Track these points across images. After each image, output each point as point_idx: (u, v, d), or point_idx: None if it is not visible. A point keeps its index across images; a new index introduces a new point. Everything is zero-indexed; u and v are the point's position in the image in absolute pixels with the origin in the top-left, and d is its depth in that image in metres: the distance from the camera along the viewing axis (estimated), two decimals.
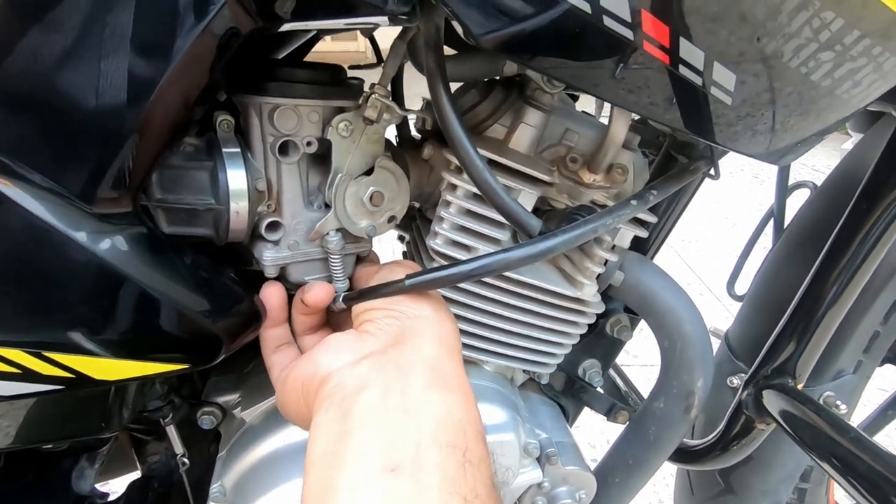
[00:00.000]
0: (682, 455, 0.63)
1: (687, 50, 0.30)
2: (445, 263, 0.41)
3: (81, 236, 0.31)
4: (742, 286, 0.84)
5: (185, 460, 0.57)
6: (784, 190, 0.79)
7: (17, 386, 0.34)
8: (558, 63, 0.31)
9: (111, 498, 0.60)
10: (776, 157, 0.40)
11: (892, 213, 0.47)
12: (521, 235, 0.40)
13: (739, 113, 0.34)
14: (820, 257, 0.52)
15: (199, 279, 0.37)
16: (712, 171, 0.45)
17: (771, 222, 0.80)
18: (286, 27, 0.31)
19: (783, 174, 0.77)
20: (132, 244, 0.34)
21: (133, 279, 0.34)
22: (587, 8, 0.28)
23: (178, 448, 0.56)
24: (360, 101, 0.40)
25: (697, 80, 0.32)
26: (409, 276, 0.37)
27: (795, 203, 0.77)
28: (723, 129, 0.36)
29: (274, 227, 0.41)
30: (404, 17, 0.30)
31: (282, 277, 0.44)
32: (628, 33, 0.29)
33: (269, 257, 0.42)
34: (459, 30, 0.30)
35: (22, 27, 0.28)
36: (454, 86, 0.44)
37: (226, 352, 0.39)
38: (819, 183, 0.76)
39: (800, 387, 0.54)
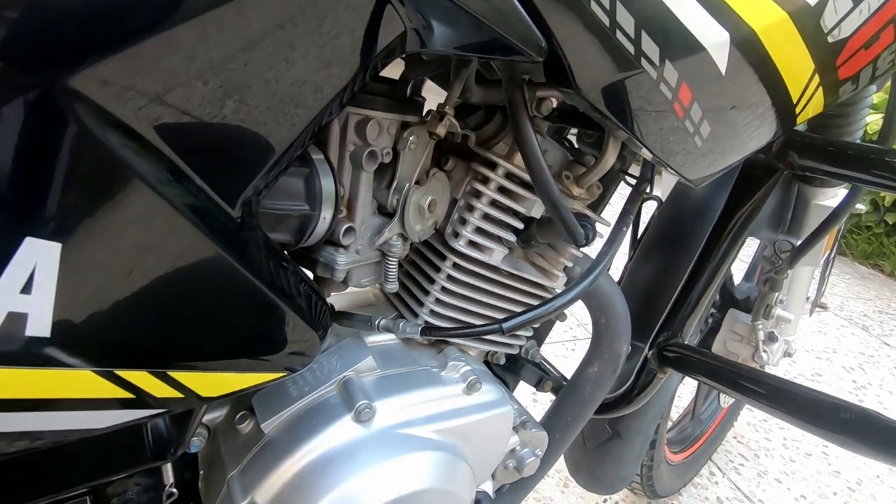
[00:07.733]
0: (601, 407, 0.80)
1: (696, 110, 0.44)
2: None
3: (220, 240, 0.30)
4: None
5: (174, 490, 0.51)
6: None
7: (121, 414, 0.30)
8: (624, 112, 0.41)
9: None
10: (700, 181, 0.57)
11: (737, 229, 0.72)
12: (567, 240, 0.49)
13: (703, 151, 0.50)
14: (693, 260, 0.74)
15: (298, 283, 0.37)
16: (661, 197, 0.61)
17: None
18: (435, 52, 0.34)
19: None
20: (258, 250, 0.33)
21: (260, 287, 0.33)
22: (653, 74, 0.39)
23: (169, 478, 0.50)
24: (427, 118, 0.45)
25: (691, 129, 0.46)
26: (504, 320, 0.44)
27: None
28: (687, 163, 0.51)
29: (350, 232, 0.43)
30: (531, 60, 0.36)
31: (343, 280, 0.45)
32: (669, 94, 0.41)
33: (343, 261, 0.43)
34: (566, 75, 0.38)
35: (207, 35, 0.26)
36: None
37: (317, 354, 0.39)
38: (662, 196, 1.04)
39: (685, 342, 0.76)
